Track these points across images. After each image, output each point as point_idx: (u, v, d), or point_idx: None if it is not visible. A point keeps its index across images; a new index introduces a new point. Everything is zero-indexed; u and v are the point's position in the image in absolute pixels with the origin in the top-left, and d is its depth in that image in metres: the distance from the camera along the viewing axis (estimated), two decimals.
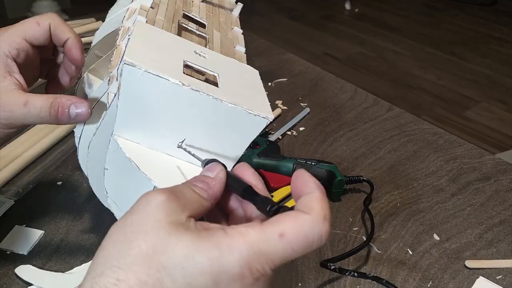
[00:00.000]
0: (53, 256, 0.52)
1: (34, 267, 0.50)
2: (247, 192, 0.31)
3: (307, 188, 0.28)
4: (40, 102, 0.41)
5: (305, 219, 0.26)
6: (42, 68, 0.49)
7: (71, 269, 0.51)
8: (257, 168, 0.64)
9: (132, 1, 0.51)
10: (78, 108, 0.42)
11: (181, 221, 0.27)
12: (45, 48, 0.47)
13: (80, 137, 0.48)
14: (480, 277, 0.53)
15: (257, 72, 0.47)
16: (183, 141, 0.39)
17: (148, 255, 0.25)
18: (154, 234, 0.26)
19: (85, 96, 0.52)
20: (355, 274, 0.49)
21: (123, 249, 0.25)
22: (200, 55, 0.43)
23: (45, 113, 0.42)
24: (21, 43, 0.44)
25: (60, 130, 0.71)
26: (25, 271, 0.50)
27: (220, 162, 0.34)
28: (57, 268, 0.51)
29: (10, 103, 0.41)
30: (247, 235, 0.25)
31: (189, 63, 0.41)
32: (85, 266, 0.51)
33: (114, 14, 0.54)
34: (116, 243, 0.26)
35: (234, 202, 0.34)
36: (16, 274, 0.49)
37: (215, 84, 0.40)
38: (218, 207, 0.34)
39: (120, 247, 0.26)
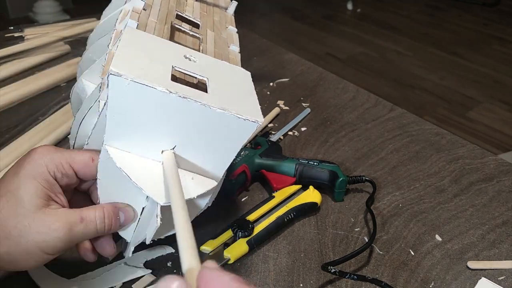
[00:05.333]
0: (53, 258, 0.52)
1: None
2: None
3: None
4: (93, 214, 0.40)
5: None
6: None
7: (71, 270, 0.50)
8: (259, 168, 0.64)
9: (125, 2, 0.50)
10: (123, 211, 0.42)
11: None
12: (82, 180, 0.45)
13: (73, 146, 0.48)
14: (483, 278, 0.53)
15: (249, 74, 0.46)
16: (173, 148, 0.39)
17: None
18: None
19: (79, 102, 0.51)
20: (355, 277, 0.49)
21: None
22: (190, 59, 0.42)
23: (102, 225, 0.41)
24: (68, 171, 0.42)
25: (58, 132, 0.71)
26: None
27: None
28: (57, 269, 0.50)
29: (68, 221, 0.39)
30: None
31: (177, 69, 0.40)
32: (89, 273, 0.51)
33: (107, 16, 0.54)
34: None
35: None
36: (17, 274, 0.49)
37: (205, 89, 0.39)
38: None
39: None
